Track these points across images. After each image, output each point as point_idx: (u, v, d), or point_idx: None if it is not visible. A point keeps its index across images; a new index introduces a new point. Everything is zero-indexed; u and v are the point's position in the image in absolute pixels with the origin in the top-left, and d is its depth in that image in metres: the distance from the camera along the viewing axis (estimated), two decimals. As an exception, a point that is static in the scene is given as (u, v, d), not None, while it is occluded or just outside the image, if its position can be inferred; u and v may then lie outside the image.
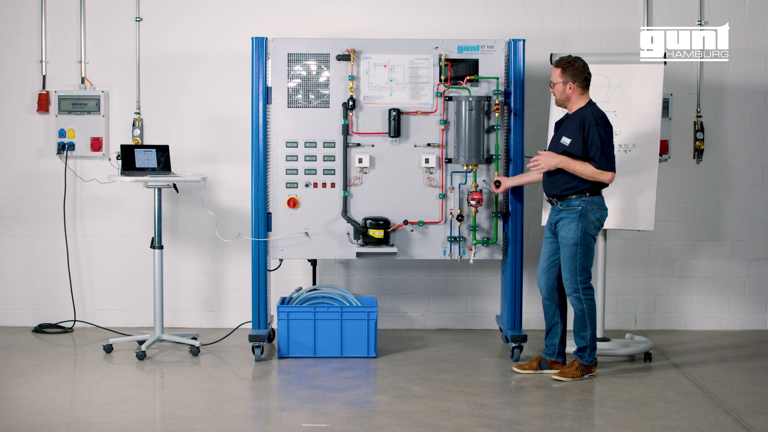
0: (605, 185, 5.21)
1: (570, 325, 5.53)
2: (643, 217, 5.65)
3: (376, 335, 5.73)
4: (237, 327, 6.38)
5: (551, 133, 5.57)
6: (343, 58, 5.73)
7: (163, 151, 5.87)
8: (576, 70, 5.20)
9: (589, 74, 5.25)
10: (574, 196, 5.18)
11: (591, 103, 5.25)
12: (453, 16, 6.51)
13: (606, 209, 5.26)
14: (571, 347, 5.46)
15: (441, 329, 6.62)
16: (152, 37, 6.51)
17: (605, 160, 5.10)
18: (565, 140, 5.21)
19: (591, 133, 5.11)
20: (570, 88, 5.21)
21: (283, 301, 5.92)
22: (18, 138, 6.56)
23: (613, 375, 5.39)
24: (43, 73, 6.52)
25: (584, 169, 5.13)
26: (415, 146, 5.79)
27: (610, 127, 5.20)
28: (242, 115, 6.29)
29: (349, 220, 5.78)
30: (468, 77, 5.74)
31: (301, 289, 6.09)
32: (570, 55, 5.32)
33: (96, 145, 6.48)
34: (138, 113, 6.51)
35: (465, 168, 5.79)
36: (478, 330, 6.59)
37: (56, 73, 6.53)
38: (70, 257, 6.56)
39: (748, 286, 6.65)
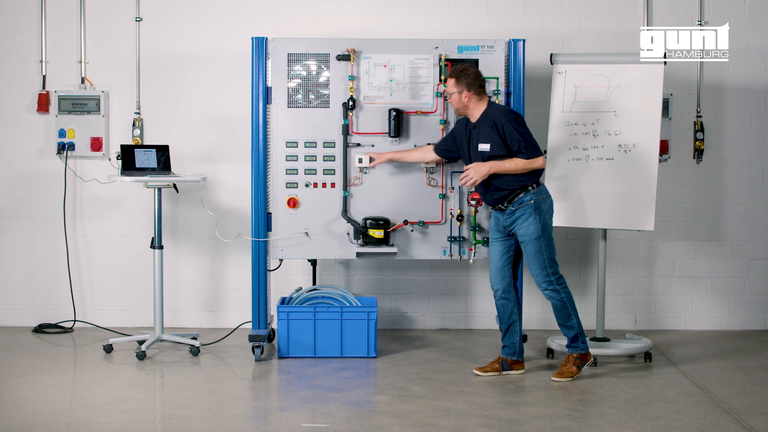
0: (541, 171, 5.21)
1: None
2: (643, 217, 5.64)
3: (376, 335, 5.73)
4: (237, 327, 6.38)
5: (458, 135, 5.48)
6: (343, 58, 5.73)
7: (163, 151, 5.87)
8: (469, 78, 5.20)
9: (484, 80, 5.29)
10: (522, 194, 5.18)
11: (491, 104, 5.28)
12: (453, 16, 6.51)
13: (551, 195, 5.29)
14: (561, 340, 5.44)
15: (441, 329, 6.62)
16: (152, 37, 6.51)
17: (531, 148, 5.13)
18: (484, 146, 5.19)
19: (507, 130, 5.12)
20: (466, 96, 5.21)
21: (283, 301, 5.92)
22: (18, 138, 6.56)
23: (613, 375, 5.39)
24: (43, 73, 6.52)
25: (515, 165, 5.13)
26: (415, 146, 5.79)
27: (520, 115, 5.24)
28: (242, 115, 6.29)
29: (349, 220, 5.77)
30: (468, 77, 5.74)
31: (301, 289, 6.09)
32: (462, 64, 5.35)
33: (96, 145, 6.48)
34: (138, 113, 6.51)
35: (465, 168, 5.78)
36: (478, 330, 6.59)
37: (56, 73, 6.53)
38: (70, 257, 6.56)
39: (748, 286, 6.65)
